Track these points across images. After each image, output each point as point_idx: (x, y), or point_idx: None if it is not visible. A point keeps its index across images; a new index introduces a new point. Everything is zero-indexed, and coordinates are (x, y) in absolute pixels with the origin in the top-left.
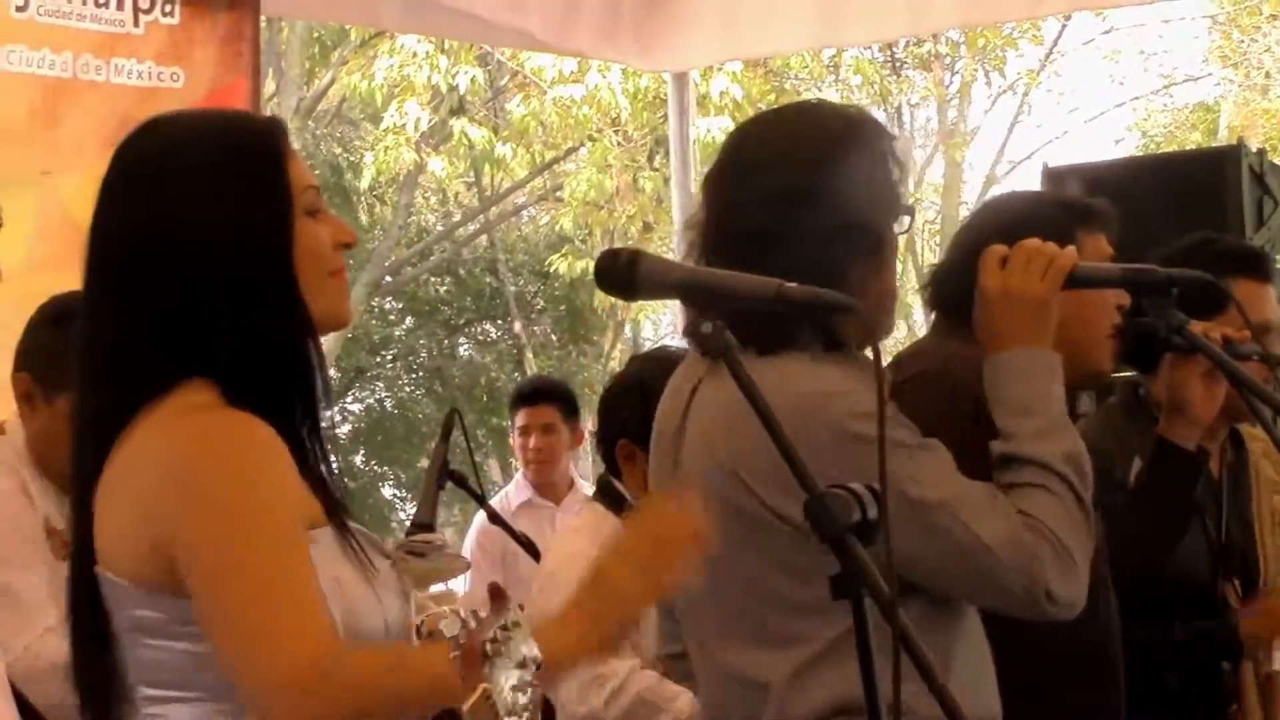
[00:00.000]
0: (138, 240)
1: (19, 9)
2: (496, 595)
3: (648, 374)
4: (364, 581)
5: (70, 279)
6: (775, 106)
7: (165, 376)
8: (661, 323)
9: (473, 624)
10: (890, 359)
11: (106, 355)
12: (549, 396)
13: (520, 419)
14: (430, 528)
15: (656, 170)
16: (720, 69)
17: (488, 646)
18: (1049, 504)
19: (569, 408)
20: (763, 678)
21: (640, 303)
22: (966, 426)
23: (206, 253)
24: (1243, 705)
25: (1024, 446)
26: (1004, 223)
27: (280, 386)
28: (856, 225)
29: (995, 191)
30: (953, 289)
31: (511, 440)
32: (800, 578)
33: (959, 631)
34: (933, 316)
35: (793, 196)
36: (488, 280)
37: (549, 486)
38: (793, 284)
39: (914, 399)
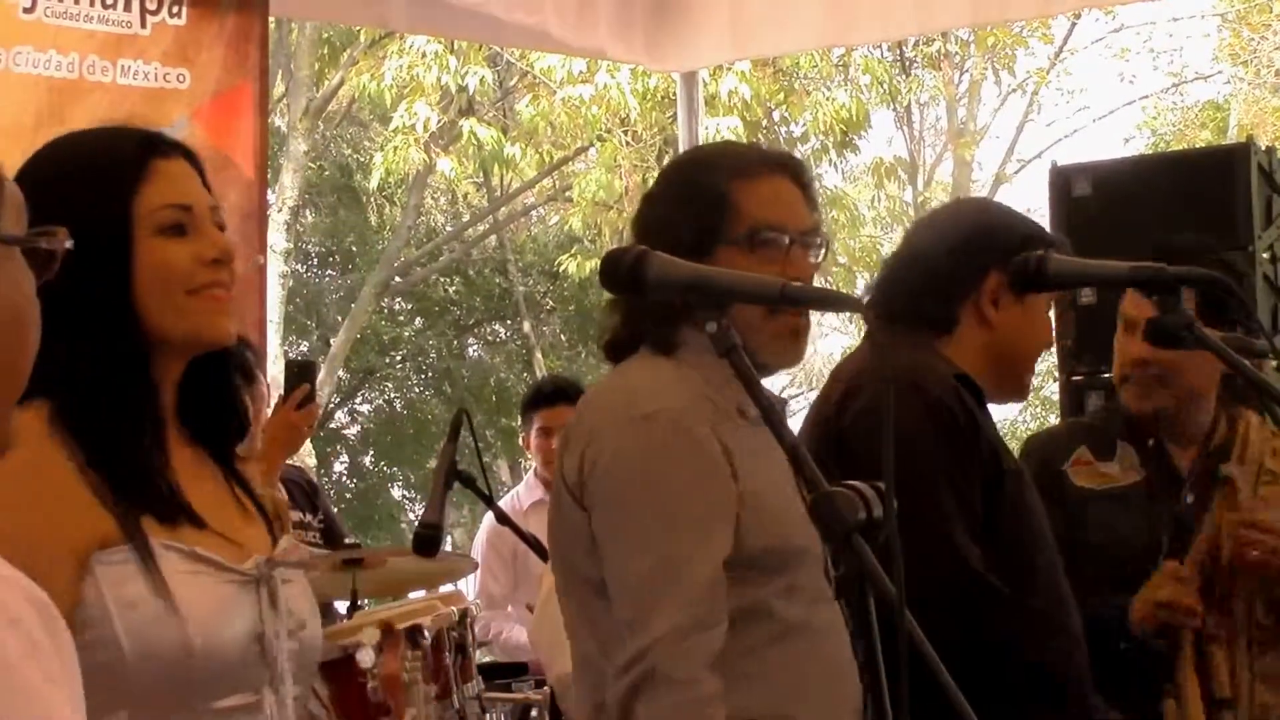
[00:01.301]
0: None
1: (26, 10)
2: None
3: None
4: (157, 598)
5: None
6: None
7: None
8: None
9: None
10: (837, 372)
11: None
12: (569, 397)
13: (539, 420)
14: (438, 528)
15: None
16: (729, 68)
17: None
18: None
19: None
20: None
21: None
22: (955, 437)
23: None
24: (1177, 680)
25: None
26: (960, 238)
27: (109, 405)
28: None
29: (1005, 190)
30: (908, 301)
31: (524, 440)
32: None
33: (776, 653)
34: (868, 326)
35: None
36: (497, 281)
37: None
38: (797, 283)
39: (887, 414)
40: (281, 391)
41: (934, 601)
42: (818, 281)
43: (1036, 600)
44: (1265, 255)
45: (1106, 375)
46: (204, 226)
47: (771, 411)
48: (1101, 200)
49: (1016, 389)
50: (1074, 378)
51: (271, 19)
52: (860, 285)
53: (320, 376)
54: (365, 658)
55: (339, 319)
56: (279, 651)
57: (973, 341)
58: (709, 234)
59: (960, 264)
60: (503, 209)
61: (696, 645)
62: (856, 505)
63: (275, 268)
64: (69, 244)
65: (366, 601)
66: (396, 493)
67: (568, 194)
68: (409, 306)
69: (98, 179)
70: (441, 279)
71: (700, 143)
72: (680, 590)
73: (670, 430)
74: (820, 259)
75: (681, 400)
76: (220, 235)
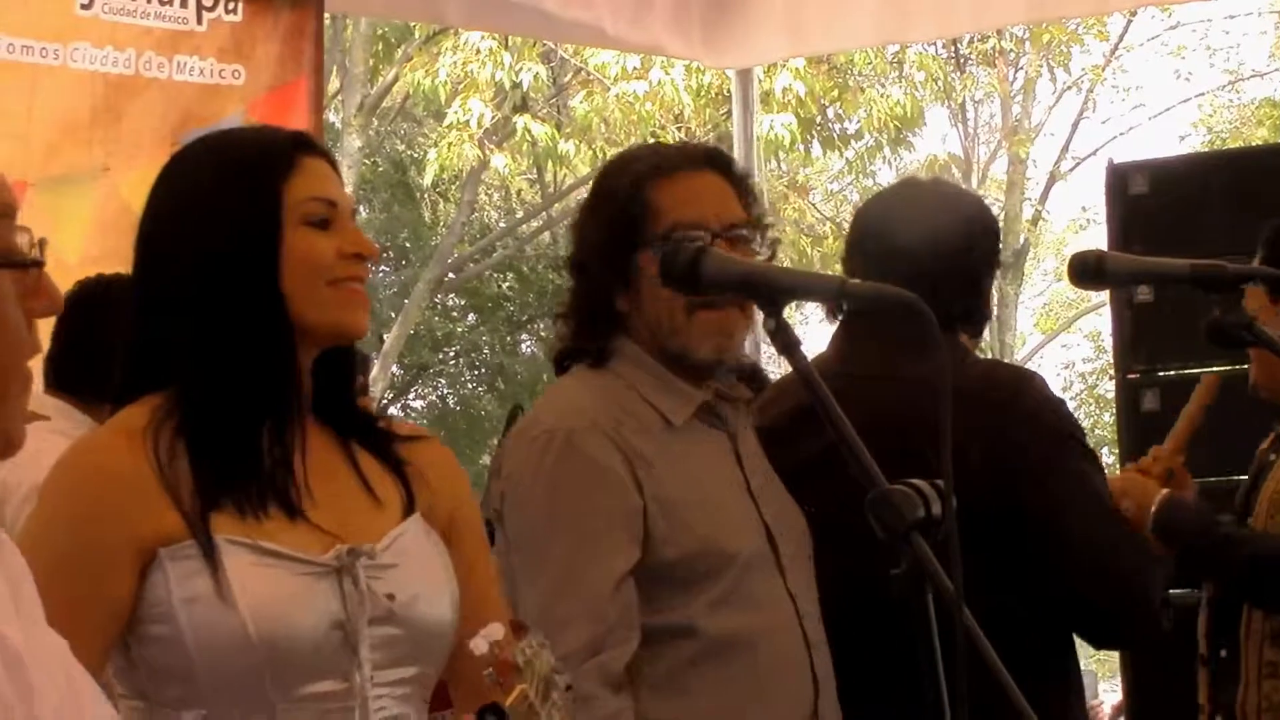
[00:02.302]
0: (142, 250)
1: (84, 6)
2: (518, 628)
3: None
4: (216, 592)
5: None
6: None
7: (135, 383)
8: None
9: (498, 645)
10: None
11: (123, 354)
12: None
13: None
14: (491, 524)
15: None
16: (783, 65)
17: (519, 658)
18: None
19: None
20: None
21: None
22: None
23: (201, 258)
24: None
25: None
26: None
27: (242, 389)
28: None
29: (1059, 188)
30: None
31: None
32: None
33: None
34: (839, 324)
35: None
36: (550, 277)
37: None
38: (856, 280)
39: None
40: None
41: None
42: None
43: None
44: None
45: (1163, 373)
46: (346, 223)
47: (827, 405)
48: (1159, 198)
49: None
50: (1129, 375)
51: (326, 15)
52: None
53: (374, 372)
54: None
55: (392, 315)
56: (363, 639)
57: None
58: (629, 238)
59: (982, 260)
60: (556, 205)
61: (594, 666)
62: (915, 503)
63: None
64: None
65: None
66: None
67: None
68: (463, 302)
69: (250, 169)
70: (495, 275)
71: (754, 140)
72: (578, 607)
73: (560, 448)
74: (764, 251)
75: (583, 416)
76: (361, 233)
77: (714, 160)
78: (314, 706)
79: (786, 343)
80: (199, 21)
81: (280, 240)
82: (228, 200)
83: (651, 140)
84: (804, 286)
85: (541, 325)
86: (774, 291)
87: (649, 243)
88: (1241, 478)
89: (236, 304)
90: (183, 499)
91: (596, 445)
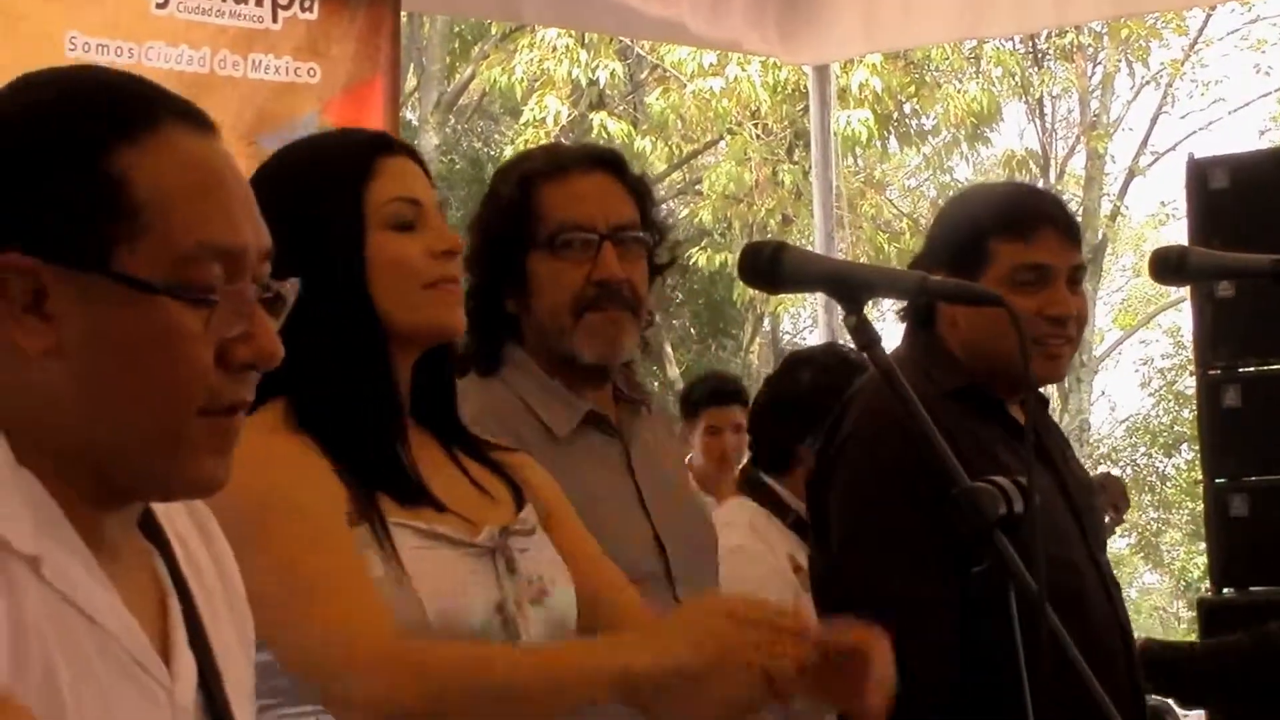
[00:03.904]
0: None
1: (159, 6)
2: None
3: (836, 373)
4: (392, 575)
5: None
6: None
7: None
8: (800, 316)
9: None
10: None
11: None
12: (738, 397)
13: (708, 419)
14: None
15: (796, 163)
16: (860, 61)
17: None
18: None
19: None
20: None
21: (780, 296)
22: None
23: (282, 265)
24: None
25: None
26: (967, 227)
27: (351, 396)
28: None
29: (1138, 183)
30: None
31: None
32: None
33: None
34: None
35: None
36: None
37: (722, 483)
38: (938, 277)
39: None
40: None
41: None
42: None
43: None
44: None
45: (1244, 369)
46: (432, 220)
47: (909, 401)
48: (1239, 192)
49: (1018, 381)
50: (1210, 371)
51: (403, 13)
52: None
53: None
54: None
55: None
56: (521, 618)
57: None
58: (518, 240)
59: None
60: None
61: None
62: (997, 500)
63: None
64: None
65: None
66: None
67: (698, 187)
68: None
69: (329, 175)
70: None
71: (831, 136)
72: None
73: None
74: (662, 255)
75: None
76: (448, 229)
77: (606, 161)
78: None
79: (867, 339)
80: (274, 20)
81: (364, 247)
82: (309, 210)
83: (728, 136)
84: (885, 283)
85: None
86: (854, 288)
87: (537, 244)
88: None
89: (327, 313)
90: (349, 484)
91: None
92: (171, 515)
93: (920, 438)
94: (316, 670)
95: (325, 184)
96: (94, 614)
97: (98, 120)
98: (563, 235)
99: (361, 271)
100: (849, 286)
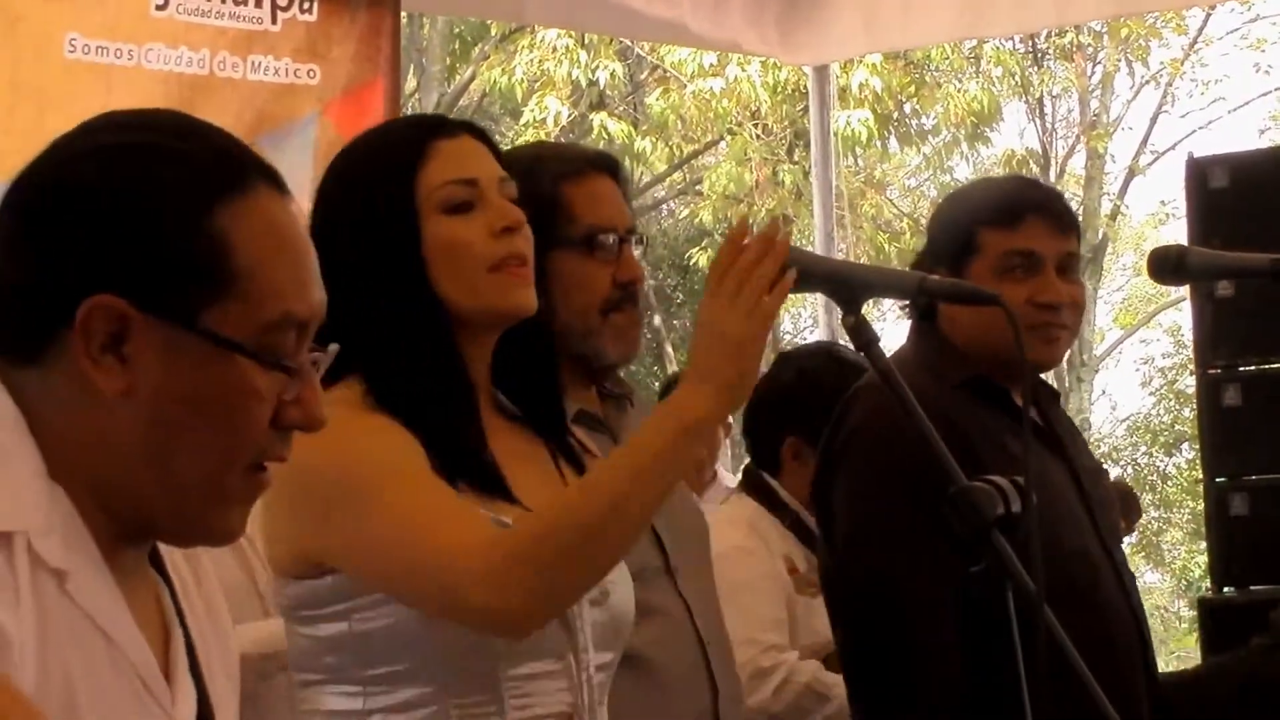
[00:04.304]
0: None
1: (159, 7)
2: None
3: (821, 370)
4: None
5: None
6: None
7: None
8: (801, 317)
9: None
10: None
11: None
12: None
13: None
14: None
15: (796, 163)
16: (860, 61)
17: None
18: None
19: None
20: None
21: None
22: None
23: (347, 256)
24: None
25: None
26: (962, 221)
27: (422, 384)
28: None
29: (1138, 182)
30: None
31: None
32: None
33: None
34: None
35: None
36: None
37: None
38: (935, 277)
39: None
40: None
41: None
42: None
43: None
44: None
45: (1244, 368)
46: (491, 197)
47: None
48: (1239, 191)
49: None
50: (1210, 371)
51: (403, 14)
52: None
53: None
54: None
55: None
56: (579, 619)
57: None
58: (541, 237)
59: None
60: (633, 203)
61: None
62: (995, 500)
63: None
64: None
65: None
66: None
67: (698, 187)
68: None
69: (379, 167)
70: None
71: (831, 136)
72: None
73: None
74: (638, 251)
75: None
76: (508, 204)
77: (610, 164)
78: (532, 685)
79: (866, 339)
80: (273, 21)
81: (420, 235)
82: (361, 202)
83: (728, 136)
84: (884, 283)
85: None
86: (853, 288)
87: (567, 243)
88: None
89: (390, 302)
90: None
91: None
92: (170, 553)
93: (919, 437)
94: (439, 595)
95: (377, 175)
96: (112, 633)
97: (205, 176)
98: (597, 236)
99: (419, 260)
100: (847, 287)
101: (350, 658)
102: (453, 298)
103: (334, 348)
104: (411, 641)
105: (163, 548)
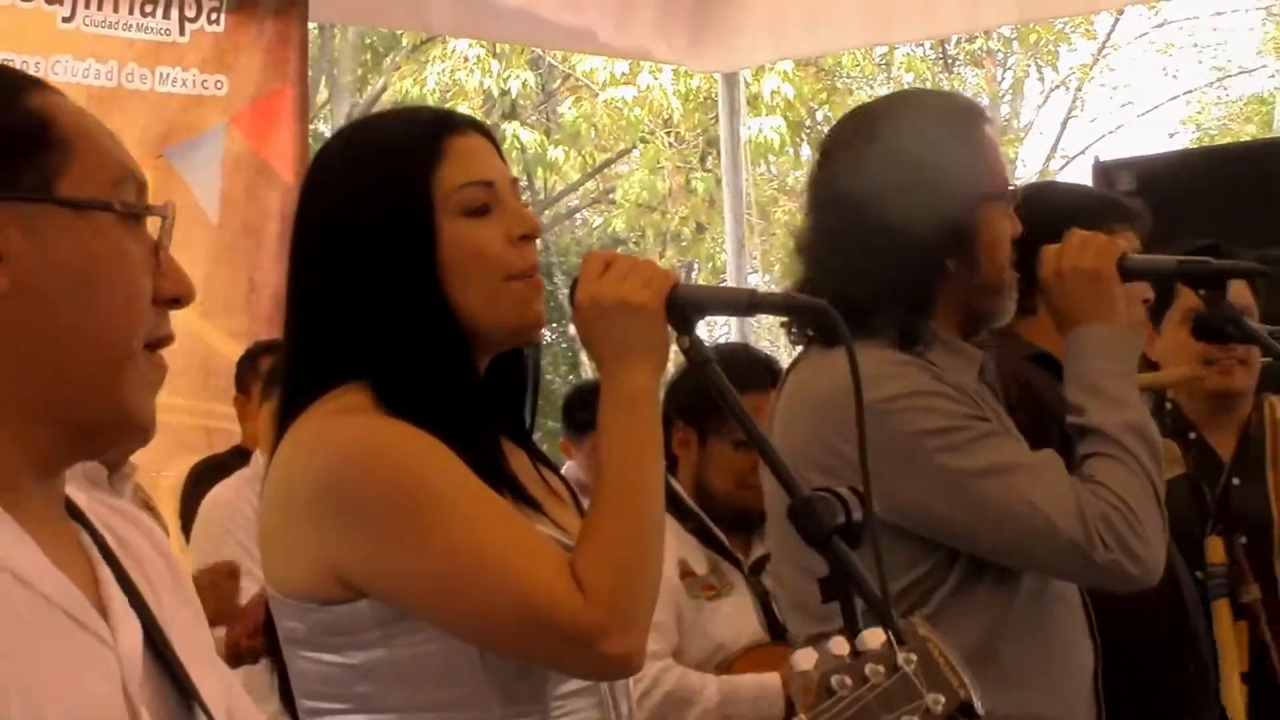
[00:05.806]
0: (301, 243)
1: (65, 20)
2: None
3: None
4: None
5: None
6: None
7: (323, 375)
8: (716, 323)
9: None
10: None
11: (286, 351)
12: None
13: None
14: None
15: (709, 171)
16: (771, 68)
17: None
18: (1113, 469)
19: None
20: None
21: None
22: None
23: (352, 257)
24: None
25: (1088, 418)
26: (1046, 214)
27: (435, 393)
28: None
29: None
30: None
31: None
32: None
33: (1009, 620)
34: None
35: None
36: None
37: None
38: (765, 290)
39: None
40: None
41: None
42: None
43: None
44: None
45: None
46: (508, 201)
47: (746, 420)
48: (1146, 195)
49: None
50: None
51: (313, 25)
52: None
53: None
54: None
55: None
56: None
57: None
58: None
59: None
60: (546, 212)
61: None
62: (836, 509)
63: None
64: None
65: None
66: None
67: (611, 196)
68: None
69: (395, 163)
70: None
71: (742, 143)
72: None
73: None
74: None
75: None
76: (525, 209)
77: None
78: (570, 705)
79: (702, 358)
80: (181, 33)
81: (436, 239)
82: (375, 200)
83: (640, 144)
84: (715, 301)
85: None
86: (684, 309)
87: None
88: None
89: (403, 307)
90: None
91: None
92: (111, 524)
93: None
94: (556, 649)
95: (392, 173)
96: (26, 577)
97: (12, 75)
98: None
99: (434, 263)
100: (678, 309)
101: (389, 685)
102: (468, 308)
103: (173, 202)
104: (465, 667)
105: (93, 517)
